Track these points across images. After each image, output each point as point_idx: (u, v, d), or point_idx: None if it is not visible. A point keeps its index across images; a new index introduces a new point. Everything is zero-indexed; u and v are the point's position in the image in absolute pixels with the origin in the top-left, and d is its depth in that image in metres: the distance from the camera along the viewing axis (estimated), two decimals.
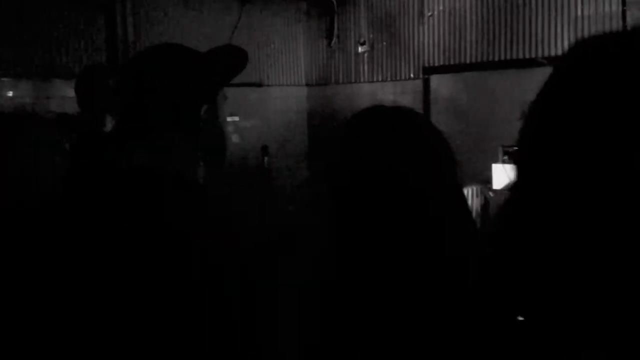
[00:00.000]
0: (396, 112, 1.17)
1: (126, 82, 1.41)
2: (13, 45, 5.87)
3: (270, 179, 7.95)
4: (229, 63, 1.50)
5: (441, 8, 7.30)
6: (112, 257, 1.23)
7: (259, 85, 8.02)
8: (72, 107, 6.01)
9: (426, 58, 7.48)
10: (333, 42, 8.36)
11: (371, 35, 8.00)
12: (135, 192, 1.30)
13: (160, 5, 7.07)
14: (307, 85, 8.68)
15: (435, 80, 7.39)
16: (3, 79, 5.81)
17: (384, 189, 1.04)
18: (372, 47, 8.00)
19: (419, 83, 7.53)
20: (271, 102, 8.17)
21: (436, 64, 7.39)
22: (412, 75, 7.61)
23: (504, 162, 4.47)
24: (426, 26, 7.45)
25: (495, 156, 4.64)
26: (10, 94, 5.85)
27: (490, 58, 6.92)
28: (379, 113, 1.18)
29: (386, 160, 1.06)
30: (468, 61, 7.10)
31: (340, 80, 8.35)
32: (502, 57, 6.83)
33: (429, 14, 7.40)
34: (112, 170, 1.44)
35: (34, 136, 2.20)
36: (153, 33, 7.00)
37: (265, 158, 7.86)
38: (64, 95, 6.18)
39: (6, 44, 5.82)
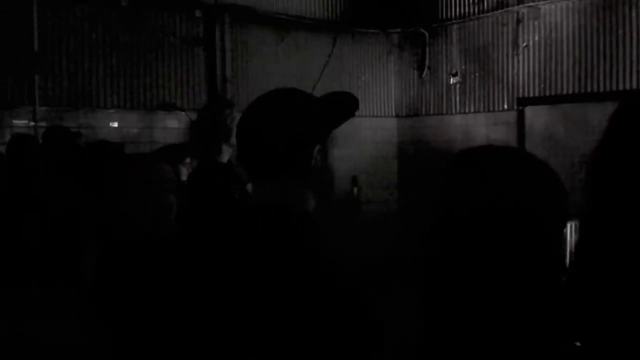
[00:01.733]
0: (506, 151, 1.14)
1: (246, 123, 1.48)
2: (119, 79, 6.24)
3: (359, 209, 7.98)
4: (342, 107, 1.56)
5: (536, 38, 7.18)
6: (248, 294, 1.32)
7: None
8: (173, 137, 6.34)
9: (520, 89, 7.35)
10: (424, 73, 8.37)
11: (463, 66, 7.95)
12: (263, 228, 1.38)
13: (256, 41, 7.32)
14: (397, 116, 8.70)
15: (529, 111, 7.24)
16: (109, 110, 6.16)
17: (499, 230, 1.03)
18: (464, 78, 7.95)
19: (512, 114, 7.41)
20: (361, 132, 8.24)
21: (531, 95, 7.25)
22: (505, 107, 7.50)
23: None
24: (521, 56, 7.34)
25: None
26: (116, 124, 6.20)
27: (588, 89, 6.72)
28: (487, 151, 1.15)
29: (501, 200, 1.03)
30: (564, 92, 6.92)
31: (431, 112, 8.32)
32: (601, 89, 6.62)
33: (524, 44, 7.29)
34: (234, 207, 1.52)
35: (150, 173, 2.27)
36: (250, 68, 7.25)
37: (355, 188, 7.91)
38: (166, 126, 6.50)
39: (113, 78, 6.19)
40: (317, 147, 1.47)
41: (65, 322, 1.89)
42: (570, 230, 1.20)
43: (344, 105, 1.55)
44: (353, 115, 1.54)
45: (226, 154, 3.55)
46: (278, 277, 1.32)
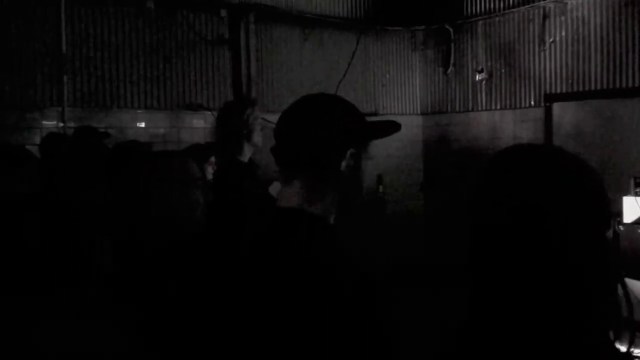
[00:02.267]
0: (547, 150, 1.14)
1: (281, 124, 1.49)
2: (146, 79, 6.29)
3: (385, 208, 7.96)
4: (381, 123, 1.58)
5: (563, 34, 7.09)
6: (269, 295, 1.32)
7: (375, 114, 8.10)
8: (200, 137, 6.38)
9: (548, 85, 7.26)
10: (449, 70, 8.31)
11: (489, 63, 7.88)
12: (284, 230, 1.39)
13: (281, 40, 7.34)
14: (422, 114, 8.66)
15: (557, 108, 7.15)
16: (136, 110, 6.22)
17: (541, 230, 1.02)
18: (490, 74, 7.88)
19: (540, 111, 7.32)
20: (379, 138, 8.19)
21: (558, 92, 7.15)
22: (532, 103, 7.42)
23: (636, 194, 4.23)
24: (547, 52, 7.25)
25: (626, 188, 4.41)
26: (143, 124, 6.25)
27: (617, 85, 6.61)
28: (529, 150, 1.14)
29: (544, 198, 1.02)
30: (593, 88, 6.82)
31: (457, 109, 8.26)
32: (630, 84, 6.51)
33: (551, 40, 7.20)
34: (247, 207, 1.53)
35: (175, 169, 2.26)
36: (275, 66, 7.27)
37: (380, 187, 7.89)
38: (192, 126, 6.55)
39: (139, 78, 6.25)
40: (350, 152, 1.47)
41: (95, 323, 1.90)
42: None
43: (382, 123, 1.57)
44: (389, 133, 1.55)
45: (247, 152, 3.54)
46: (288, 284, 1.33)
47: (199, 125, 6.58)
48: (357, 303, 1.30)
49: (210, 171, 4.37)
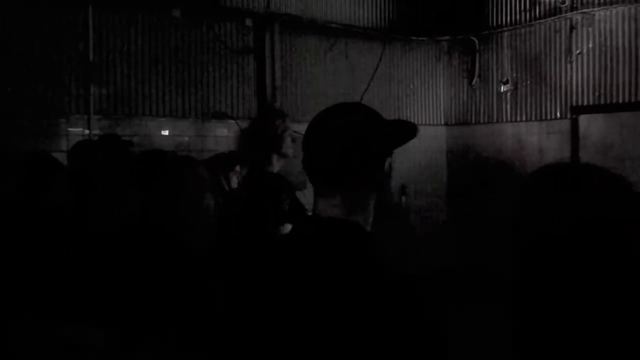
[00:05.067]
0: (587, 168, 1.14)
1: (315, 134, 1.48)
2: (171, 88, 6.33)
3: (408, 219, 7.91)
4: (405, 127, 1.56)
5: (590, 45, 7.02)
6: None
7: None
8: (224, 145, 6.41)
9: (574, 97, 7.18)
10: (474, 81, 8.26)
11: (514, 74, 7.82)
12: (331, 236, 1.40)
13: (306, 49, 7.35)
14: (446, 124, 8.61)
15: (584, 120, 7.07)
16: (161, 118, 6.26)
17: (591, 245, 1.03)
18: (515, 85, 7.82)
19: (566, 123, 7.24)
20: (410, 141, 8.16)
21: (585, 104, 7.07)
22: (558, 115, 7.34)
23: None
24: (574, 64, 7.18)
25: None
26: (167, 132, 6.29)
27: None
28: (569, 168, 1.16)
29: (585, 214, 1.04)
30: (620, 101, 6.73)
31: (482, 120, 8.20)
32: None
33: (578, 51, 7.13)
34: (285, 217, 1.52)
35: (181, 171, 2.27)
36: (299, 76, 7.28)
37: (403, 197, 7.85)
38: (216, 135, 6.57)
39: (165, 87, 6.29)
40: (388, 161, 1.47)
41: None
42: None
43: (406, 125, 1.55)
44: (414, 136, 1.53)
45: (276, 164, 3.56)
46: (339, 285, 1.33)
47: (222, 134, 6.60)
48: (408, 304, 1.32)
49: (235, 180, 4.37)
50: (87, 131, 5.77)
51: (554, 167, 1.15)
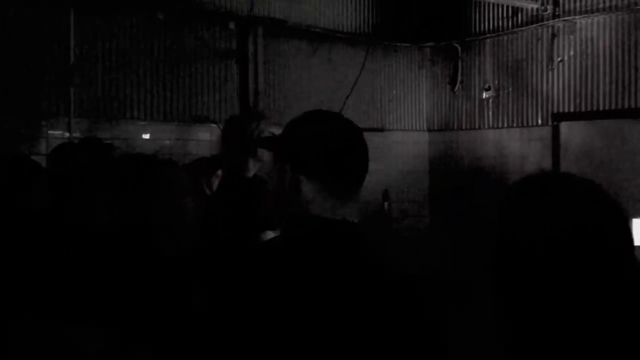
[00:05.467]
0: (566, 178, 1.17)
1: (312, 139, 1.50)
2: (153, 91, 6.29)
3: (391, 224, 7.92)
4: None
5: (572, 53, 7.08)
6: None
7: (382, 129, 8.09)
8: (206, 149, 6.37)
9: (555, 104, 7.24)
10: (457, 87, 8.30)
11: (496, 81, 7.88)
12: (326, 236, 1.40)
13: (289, 53, 7.34)
14: (429, 130, 8.64)
15: (565, 127, 7.13)
16: (143, 122, 6.21)
17: (570, 256, 1.04)
18: (497, 92, 7.87)
19: (547, 130, 7.30)
20: (392, 146, 8.19)
21: (566, 111, 7.13)
22: (540, 122, 7.39)
23: None
24: (556, 71, 7.24)
25: (635, 211, 4.38)
26: (148, 136, 6.24)
27: (625, 105, 6.59)
28: (548, 179, 1.17)
29: (569, 226, 1.06)
30: (601, 108, 6.80)
31: (464, 126, 8.24)
32: (639, 105, 6.49)
33: (559, 59, 7.20)
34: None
35: (157, 175, 2.27)
36: (282, 80, 7.26)
37: (386, 203, 7.85)
38: (198, 139, 6.54)
39: (147, 90, 6.24)
40: None
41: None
42: None
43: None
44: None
45: (253, 168, 3.51)
46: (339, 282, 1.34)
47: (204, 138, 6.56)
48: (409, 303, 1.34)
49: (217, 184, 4.33)
50: (67, 134, 5.71)
51: (539, 174, 1.17)
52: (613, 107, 6.70)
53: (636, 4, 6.49)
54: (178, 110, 6.43)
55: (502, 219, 1.12)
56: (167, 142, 6.34)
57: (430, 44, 8.51)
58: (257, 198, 3.40)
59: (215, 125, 6.54)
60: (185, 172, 3.60)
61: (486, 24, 7.95)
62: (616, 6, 6.65)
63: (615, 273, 1.04)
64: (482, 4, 7.89)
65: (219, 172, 4.41)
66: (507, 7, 7.64)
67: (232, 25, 6.81)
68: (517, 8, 7.54)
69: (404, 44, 8.35)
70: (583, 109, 6.96)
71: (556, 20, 7.16)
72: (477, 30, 8.04)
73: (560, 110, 7.18)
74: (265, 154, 3.60)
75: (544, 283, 1.06)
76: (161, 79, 6.32)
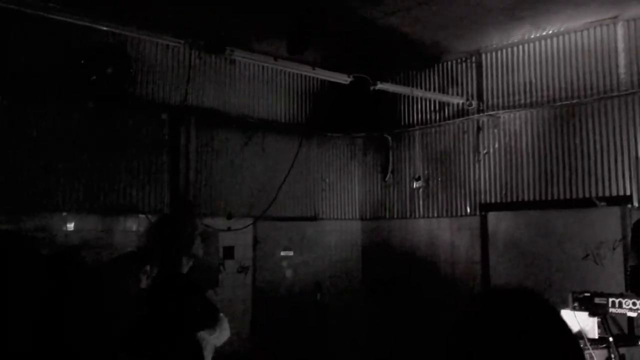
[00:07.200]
0: (519, 298, 1.19)
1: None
2: (79, 180, 6.10)
3: (325, 314, 7.78)
4: None
5: (496, 145, 7.35)
6: None
7: (314, 219, 8.08)
8: (132, 240, 6.16)
9: (482, 195, 7.44)
10: (388, 177, 8.45)
11: (426, 171, 8.06)
12: None
13: (222, 143, 7.31)
14: (361, 219, 8.70)
15: (492, 217, 7.30)
16: (67, 212, 5.98)
17: None
18: (427, 182, 8.04)
19: (476, 220, 7.46)
20: (325, 235, 8.18)
21: (493, 201, 7.33)
22: (468, 212, 7.56)
23: (574, 309, 4.25)
24: (482, 163, 7.47)
25: (564, 301, 4.44)
26: (72, 226, 6.00)
27: (549, 197, 6.82)
28: (502, 298, 1.19)
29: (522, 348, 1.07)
30: (526, 199, 7.02)
31: (395, 215, 8.34)
32: (561, 196, 6.72)
33: (484, 151, 7.45)
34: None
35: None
36: (215, 169, 7.19)
37: (318, 294, 7.74)
38: (125, 229, 6.33)
39: (73, 179, 6.05)
40: None
41: None
42: None
43: None
44: None
45: (186, 265, 3.49)
46: None
47: (131, 229, 6.37)
48: None
49: (144, 281, 4.16)
50: None
51: (492, 295, 1.19)
52: (537, 198, 6.91)
53: (554, 100, 6.84)
54: (105, 200, 6.24)
55: (461, 344, 1.12)
56: (93, 233, 6.11)
57: (362, 134, 8.70)
58: (191, 295, 3.31)
59: (144, 216, 6.37)
60: (111, 268, 3.47)
61: (415, 116, 8.22)
62: (537, 102, 6.99)
63: None
64: (411, 98, 8.18)
65: (147, 268, 4.26)
66: (435, 101, 7.94)
67: (164, 116, 6.76)
68: (444, 102, 7.84)
69: (336, 135, 8.49)
70: (509, 200, 7.16)
71: (481, 114, 7.47)
72: (407, 122, 8.29)
73: (487, 200, 7.37)
74: (199, 250, 3.52)
75: None
76: (88, 168, 6.15)
